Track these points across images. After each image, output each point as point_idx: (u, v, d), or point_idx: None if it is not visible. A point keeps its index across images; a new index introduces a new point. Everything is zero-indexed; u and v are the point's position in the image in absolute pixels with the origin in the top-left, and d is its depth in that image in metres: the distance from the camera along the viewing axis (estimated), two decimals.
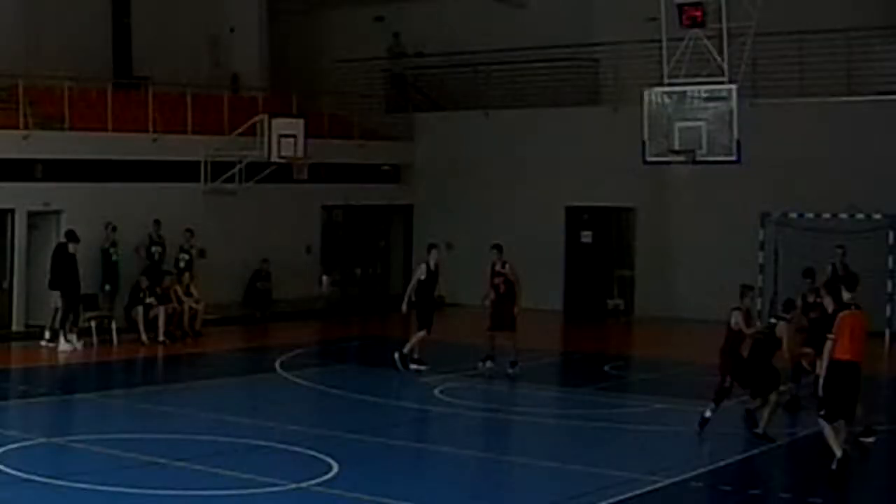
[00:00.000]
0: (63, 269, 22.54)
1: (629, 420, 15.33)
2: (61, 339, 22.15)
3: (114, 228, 24.55)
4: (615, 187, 28.77)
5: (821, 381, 13.49)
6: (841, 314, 13.36)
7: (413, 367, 20.47)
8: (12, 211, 24.10)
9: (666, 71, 21.00)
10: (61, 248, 22.68)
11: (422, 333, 20.64)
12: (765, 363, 15.12)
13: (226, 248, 27.07)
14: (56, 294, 22.70)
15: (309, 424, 16.43)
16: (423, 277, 20.76)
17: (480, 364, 20.44)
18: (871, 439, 14.87)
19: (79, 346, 22.22)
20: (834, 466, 13.20)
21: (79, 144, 24.91)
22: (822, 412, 13.46)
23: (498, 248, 20.92)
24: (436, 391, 18.73)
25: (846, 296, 13.54)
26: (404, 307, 20.74)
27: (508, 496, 13.26)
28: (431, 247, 21.29)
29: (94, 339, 22.54)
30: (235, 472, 13.28)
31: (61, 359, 21.74)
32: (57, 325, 22.42)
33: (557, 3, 31.32)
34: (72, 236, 22.64)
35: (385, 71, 33.73)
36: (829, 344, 13.26)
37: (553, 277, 29.69)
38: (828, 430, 13.36)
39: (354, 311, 29.58)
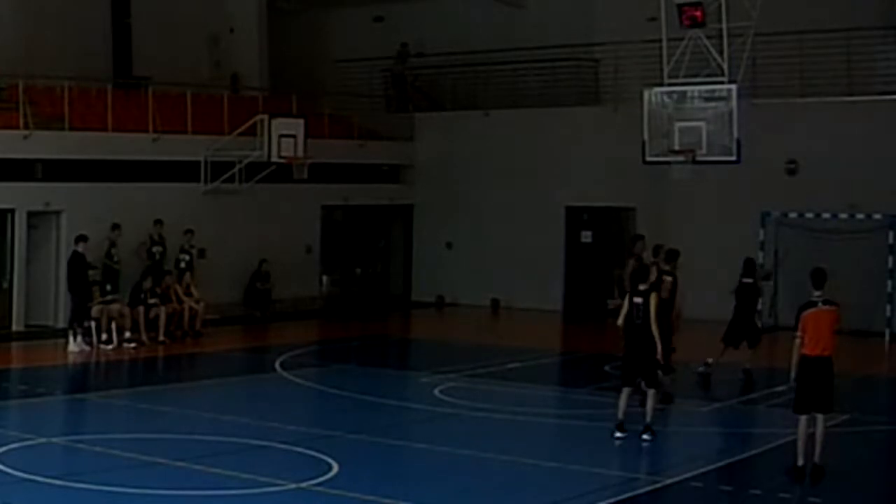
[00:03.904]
0: (77, 272, 22.56)
1: (629, 420, 15.31)
2: (71, 340, 22.16)
3: (114, 239, 24.40)
4: (615, 187, 28.75)
5: (792, 376, 13.76)
6: (803, 313, 13.55)
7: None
8: (12, 211, 24.11)
9: (666, 71, 21.04)
10: (76, 255, 22.64)
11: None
12: None
13: (226, 248, 27.06)
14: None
15: (309, 424, 16.43)
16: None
17: None
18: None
19: (86, 346, 22.23)
20: (791, 468, 13.51)
21: (79, 144, 24.91)
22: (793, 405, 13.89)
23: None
24: (436, 391, 18.71)
25: (813, 293, 13.68)
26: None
27: (509, 496, 13.23)
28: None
29: (94, 338, 22.53)
30: (235, 472, 13.27)
31: (65, 359, 21.72)
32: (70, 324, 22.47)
33: (557, 3, 31.32)
34: (81, 237, 22.66)
35: (385, 71, 33.73)
36: (796, 342, 13.54)
37: (553, 277, 29.71)
38: (800, 428, 13.56)
39: (354, 311, 29.58)
